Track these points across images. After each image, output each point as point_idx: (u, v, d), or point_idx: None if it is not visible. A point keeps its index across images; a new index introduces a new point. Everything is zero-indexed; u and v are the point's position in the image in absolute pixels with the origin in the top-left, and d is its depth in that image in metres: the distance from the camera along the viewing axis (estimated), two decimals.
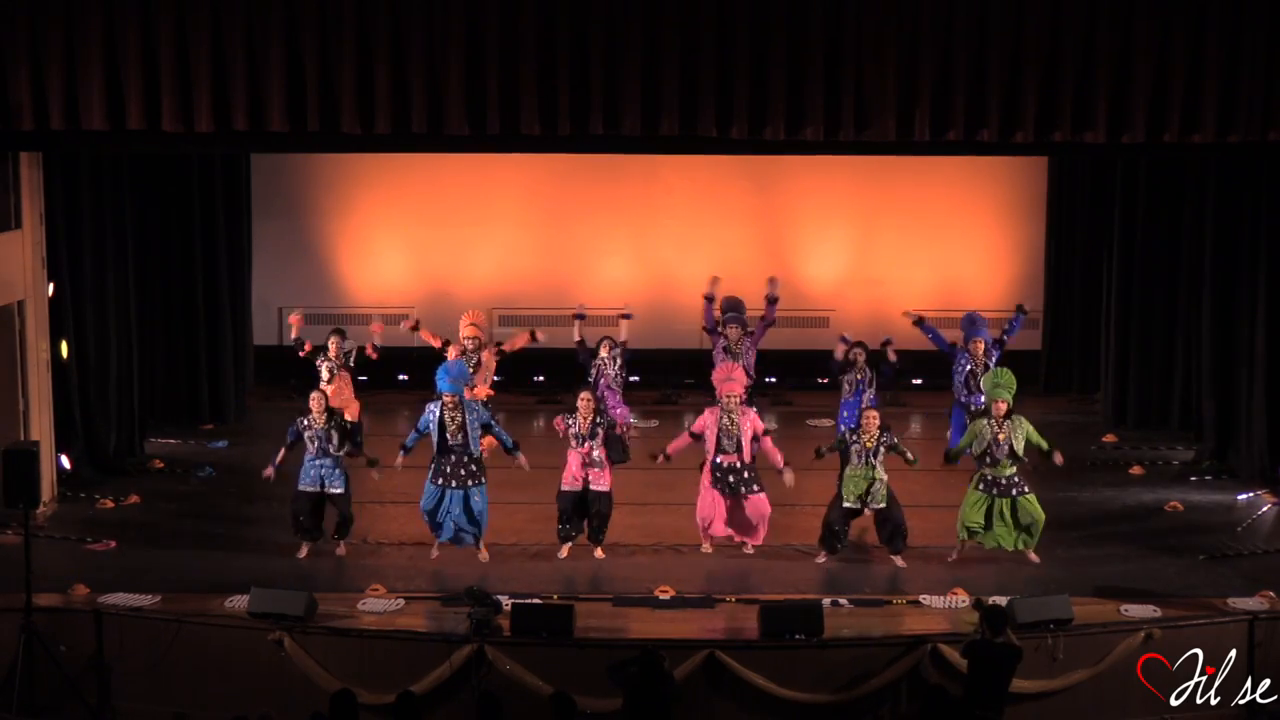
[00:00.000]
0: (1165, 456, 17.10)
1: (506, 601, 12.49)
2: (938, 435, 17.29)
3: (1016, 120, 13.60)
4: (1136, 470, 16.67)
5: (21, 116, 13.43)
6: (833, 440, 14.29)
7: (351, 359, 16.11)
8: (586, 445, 13.85)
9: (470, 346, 15.49)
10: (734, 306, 16.13)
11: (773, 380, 19.00)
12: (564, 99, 13.50)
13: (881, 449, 13.72)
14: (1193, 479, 16.32)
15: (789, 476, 13.93)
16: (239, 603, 12.65)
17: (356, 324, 19.04)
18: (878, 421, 13.82)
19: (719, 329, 15.88)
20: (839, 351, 15.63)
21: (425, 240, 19.60)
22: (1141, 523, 15.04)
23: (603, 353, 15.98)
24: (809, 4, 13.43)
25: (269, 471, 14.08)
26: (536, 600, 12.78)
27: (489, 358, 15.68)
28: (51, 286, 15.32)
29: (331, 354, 15.95)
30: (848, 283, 19.59)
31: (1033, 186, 19.45)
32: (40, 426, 14.95)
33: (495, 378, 16.10)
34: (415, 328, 16.20)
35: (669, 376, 19.11)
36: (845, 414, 15.59)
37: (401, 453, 13.98)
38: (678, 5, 13.41)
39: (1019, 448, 13.62)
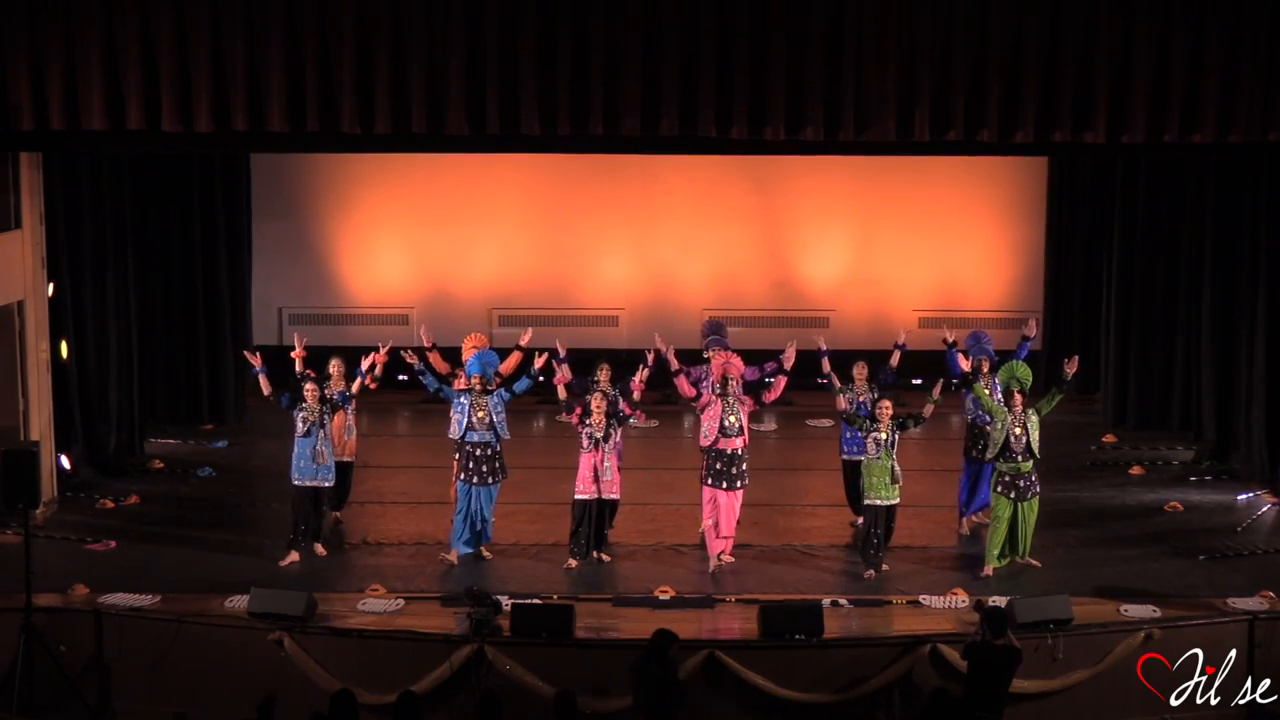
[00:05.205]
0: (1165, 456, 17.09)
1: (506, 601, 12.50)
2: (937, 435, 17.29)
3: (1016, 120, 13.59)
4: (1136, 470, 16.66)
5: (21, 116, 13.42)
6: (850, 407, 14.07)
7: (351, 388, 14.21)
8: (600, 450, 13.64)
9: None
10: (715, 329, 15.24)
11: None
12: (564, 99, 13.49)
13: (896, 436, 13.60)
14: (1193, 479, 16.32)
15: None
16: (239, 603, 12.65)
17: (356, 324, 19.09)
18: (890, 411, 13.64)
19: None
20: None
21: (425, 240, 19.57)
22: (1141, 523, 15.04)
23: (601, 378, 14.38)
24: (809, 4, 13.43)
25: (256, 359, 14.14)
26: (536, 600, 12.79)
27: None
28: (51, 286, 15.32)
29: (334, 378, 14.39)
30: (848, 283, 19.57)
31: (1033, 186, 19.43)
32: (40, 426, 14.95)
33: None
34: (431, 347, 14.64)
35: (669, 376, 19.01)
36: (848, 434, 14.63)
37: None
38: (678, 5, 13.40)
39: (1034, 442, 13.53)
